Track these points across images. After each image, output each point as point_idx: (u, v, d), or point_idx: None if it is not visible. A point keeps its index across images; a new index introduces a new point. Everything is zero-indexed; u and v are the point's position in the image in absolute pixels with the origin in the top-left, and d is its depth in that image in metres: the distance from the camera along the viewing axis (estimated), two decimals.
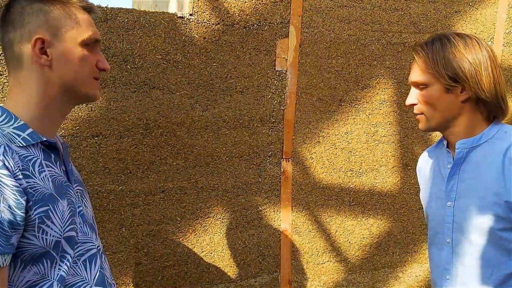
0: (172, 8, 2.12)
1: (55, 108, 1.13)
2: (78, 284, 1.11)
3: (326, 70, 2.34)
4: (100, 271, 1.17)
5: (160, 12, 1.94)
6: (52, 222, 1.05)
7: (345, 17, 2.34)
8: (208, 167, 2.11)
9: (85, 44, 1.11)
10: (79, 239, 1.14)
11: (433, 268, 1.53)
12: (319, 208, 2.41)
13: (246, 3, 2.10)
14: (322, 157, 2.38)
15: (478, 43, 1.36)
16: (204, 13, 2.02)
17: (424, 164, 1.62)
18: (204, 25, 2.02)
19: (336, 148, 2.41)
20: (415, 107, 1.43)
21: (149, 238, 2.01)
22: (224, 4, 2.05)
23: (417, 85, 1.40)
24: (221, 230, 2.18)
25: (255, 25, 2.14)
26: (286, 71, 2.24)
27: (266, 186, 2.26)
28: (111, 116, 1.89)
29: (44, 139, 1.10)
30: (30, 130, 1.07)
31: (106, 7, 1.82)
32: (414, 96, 1.43)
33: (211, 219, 2.15)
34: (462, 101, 1.36)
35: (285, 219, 2.32)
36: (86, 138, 1.85)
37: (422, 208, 2.77)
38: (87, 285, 1.13)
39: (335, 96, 2.37)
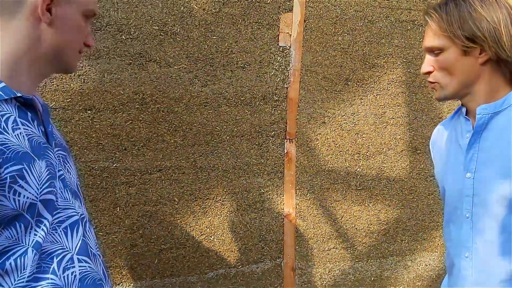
0: None
1: (37, 68, 1.06)
2: (58, 252, 1.01)
3: (331, 47, 2.23)
4: (82, 239, 1.07)
5: None
6: (27, 182, 0.95)
7: None
8: (207, 146, 2.01)
9: (85, 15, 1.08)
10: (59, 205, 1.04)
11: (451, 247, 1.42)
12: (324, 192, 2.30)
13: None
14: (327, 138, 2.28)
15: (496, 0, 1.25)
16: None
17: (439, 137, 1.51)
18: None
19: (343, 130, 2.31)
20: (430, 75, 1.32)
21: (145, 219, 1.91)
22: None
23: (432, 50, 1.29)
24: (221, 213, 2.08)
25: None
26: (290, 47, 2.14)
27: (268, 167, 2.16)
28: (105, 89, 1.80)
29: (19, 94, 1.00)
30: (2, 84, 0.98)
31: None
32: (429, 63, 1.31)
33: (211, 201, 2.05)
34: (481, 63, 1.25)
35: (289, 203, 2.22)
36: (78, 111, 1.76)
37: (432, 194, 2.66)
38: (68, 253, 1.02)
39: (341, 75, 2.27)
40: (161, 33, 1.87)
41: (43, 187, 0.99)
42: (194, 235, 2.02)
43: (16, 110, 1.00)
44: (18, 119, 0.98)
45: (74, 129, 1.75)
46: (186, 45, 1.92)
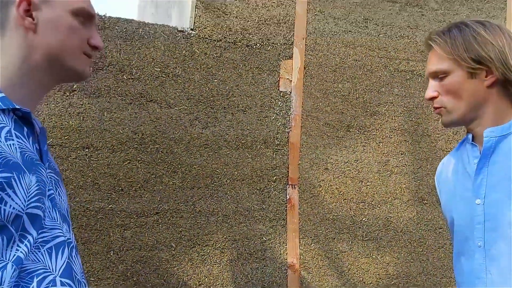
0: (174, 19, 2.09)
1: (35, 78, 1.02)
2: (39, 272, 0.93)
3: (332, 94, 2.25)
4: (67, 262, 0.99)
5: (160, 25, 1.90)
6: (14, 192, 0.89)
7: (350, 42, 2.29)
8: (207, 189, 1.95)
9: (76, 14, 1.03)
10: (46, 224, 0.97)
11: (463, 283, 1.31)
12: (329, 242, 2.20)
13: (249, 22, 2.07)
14: (331, 185, 2.22)
15: (498, 26, 1.25)
16: (205, 29, 1.97)
17: (444, 168, 1.45)
18: (205, 41, 1.97)
19: (346, 177, 2.25)
20: (435, 101, 1.29)
21: (139, 265, 1.81)
22: (226, 21, 2.02)
23: (436, 75, 1.26)
24: (221, 261, 1.96)
25: (258, 44, 2.08)
26: (291, 92, 2.15)
27: (270, 214, 2.08)
28: (104, 127, 1.78)
29: (17, 107, 0.97)
30: (1, 94, 0.95)
31: (104, 15, 1.78)
32: (433, 89, 1.27)
33: (210, 248, 1.95)
34: (487, 86, 1.22)
35: (292, 253, 2.11)
36: (76, 149, 1.73)
37: (442, 247, 2.54)
38: (50, 274, 0.94)
39: (343, 121, 2.26)
40: (163, 75, 1.89)
41: (31, 200, 0.93)
42: (192, 284, 1.90)
43: (12, 122, 0.96)
44: (13, 131, 0.95)
45: (70, 167, 1.71)
46: (187, 87, 1.93)
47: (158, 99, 1.87)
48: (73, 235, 1.07)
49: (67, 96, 1.72)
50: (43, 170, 1.00)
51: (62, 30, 1.00)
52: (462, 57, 1.20)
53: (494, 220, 1.20)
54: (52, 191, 1.02)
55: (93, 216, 1.74)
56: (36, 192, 0.94)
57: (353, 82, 2.29)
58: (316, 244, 2.17)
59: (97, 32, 1.08)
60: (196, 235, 1.93)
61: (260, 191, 2.07)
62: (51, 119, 1.69)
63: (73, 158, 1.72)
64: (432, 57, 1.28)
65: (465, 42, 1.22)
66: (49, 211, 0.99)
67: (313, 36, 2.21)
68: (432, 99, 1.27)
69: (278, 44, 2.13)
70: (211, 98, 1.97)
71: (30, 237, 0.92)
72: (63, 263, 0.97)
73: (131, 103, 1.82)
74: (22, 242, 0.91)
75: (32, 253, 0.93)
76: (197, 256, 1.92)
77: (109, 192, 1.78)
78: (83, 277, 1.06)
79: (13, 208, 0.89)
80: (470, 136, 1.33)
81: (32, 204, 0.93)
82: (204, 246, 1.94)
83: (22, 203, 0.91)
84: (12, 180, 0.89)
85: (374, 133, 2.32)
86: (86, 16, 1.04)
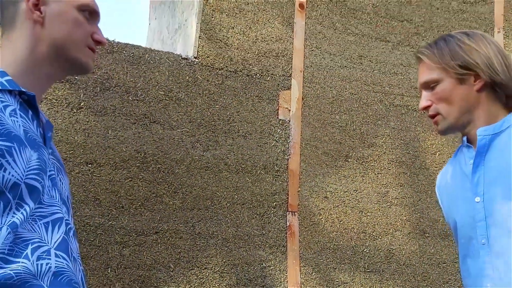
0: (178, 49, 2.20)
1: (42, 68, 1.09)
2: (34, 241, 0.93)
3: (330, 124, 2.31)
4: (63, 237, 0.99)
5: (166, 52, 2.01)
6: (14, 161, 0.92)
7: (346, 77, 2.40)
8: (207, 211, 1.96)
9: (81, 10, 1.11)
10: (44, 201, 0.99)
11: (470, 284, 1.30)
12: (331, 272, 2.15)
13: (249, 54, 2.18)
14: (331, 214, 2.22)
15: (481, 35, 1.34)
16: (208, 58, 2.08)
17: (443, 177, 1.48)
18: (208, 69, 2.07)
19: (346, 206, 2.26)
20: (429, 109, 1.35)
21: (137, 284, 1.77)
22: (228, 52, 2.13)
23: (428, 85, 1.33)
24: (220, 285, 1.92)
25: (258, 75, 2.18)
26: (289, 121, 2.22)
27: (270, 240, 2.06)
28: (108, 144, 1.83)
29: (23, 89, 1.03)
30: (9, 77, 1.02)
31: (113, 40, 1.89)
32: (426, 98, 1.34)
33: (209, 271, 1.91)
34: (477, 90, 1.28)
35: (293, 280, 2.06)
36: (79, 164, 1.76)
37: (447, 283, 2.47)
38: (45, 245, 0.95)
39: (341, 151, 2.31)
40: (166, 98, 1.96)
41: (30, 172, 0.95)
42: None
43: (18, 104, 1.01)
44: (18, 111, 1.00)
45: (72, 182, 1.73)
46: (189, 111, 2.00)
47: (161, 120, 1.94)
48: (72, 220, 1.08)
49: (74, 112, 1.78)
50: (45, 152, 1.03)
51: (68, 24, 1.06)
52: (449, 65, 1.28)
53: (495, 215, 1.21)
54: (53, 172, 1.05)
55: (92, 232, 1.74)
56: (36, 166, 0.97)
57: (350, 114, 2.36)
58: (317, 273, 2.13)
59: (100, 29, 1.15)
60: (195, 257, 1.90)
61: (260, 216, 2.06)
62: (58, 133, 1.74)
63: (76, 173, 1.75)
64: (422, 69, 1.35)
65: (451, 51, 1.30)
66: (48, 189, 1.01)
67: (310, 70, 2.32)
68: (426, 108, 1.33)
69: (277, 75, 2.23)
70: (213, 123, 2.04)
71: (26, 207, 0.93)
72: (59, 237, 0.98)
73: (135, 123, 1.88)
74: (19, 210, 0.92)
75: (29, 223, 0.94)
76: (195, 279, 1.89)
77: (110, 208, 1.79)
78: (79, 257, 1.06)
79: (12, 175, 0.91)
80: (465, 138, 1.37)
81: (31, 176, 0.95)
82: (203, 269, 1.91)
83: (22, 172, 0.93)
84: (13, 149, 0.92)
85: (372, 164, 2.36)
86: (90, 12, 1.11)
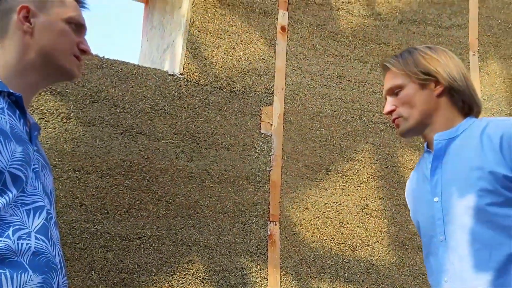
0: (166, 66, 2.33)
1: (30, 74, 1.18)
2: (15, 223, 1.01)
3: (310, 139, 2.42)
4: (44, 223, 1.07)
5: (153, 68, 2.14)
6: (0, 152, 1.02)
7: (326, 95, 2.52)
8: (189, 219, 2.04)
9: (68, 22, 1.22)
10: (27, 190, 1.08)
11: (433, 280, 1.38)
12: (311, 281, 2.22)
13: (233, 72, 2.32)
14: (311, 224, 2.30)
15: (442, 49, 1.47)
16: (193, 74, 2.21)
17: (410, 184, 1.58)
18: (193, 84, 2.20)
19: (326, 217, 2.34)
20: (393, 113, 1.46)
21: (120, 287, 1.84)
22: (212, 69, 2.26)
23: (392, 90, 1.45)
24: None
25: (241, 91, 2.31)
26: (271, 135, 2.33)
27: (251, 248, 2.14)
28: (95, 153, 1.93)
29: (11, 91, 1.12)
30: None
31: (103, 57, 2.02)
32: (391, 103, 1.45)
33: (190, 277, 1.98)
34: (437, 95, 1.40)
35: None
36: (67, 171, 1.86)
37: None
38: (26, 228, 1.03)
39: (321, 165, 2.41)
40: (152, 111, 2.08)
41: (14, 162, 1.04)
42: None
43: (6, 104, 1.11)
44: (6, 110, 1.10)
45: (60, 187, 1.83)
46: (174, 123, 2.11)
47: (147, 132, 2.04)
48: (54, 212, 1.17)
49: (64, 122, 1.89)
50: (30, 147, 1.13)
51: (55, 34, 1.18)
52: (412, 71, 1.40)
53: (451, 213, 1.31)
54: (37, 167, 1.14)
55: (78, 235, 1.82)
56: (20, 158, 1.06)
57: (330, 129, 2.48)
58: (297, 281, 2.19)
59: (86, 40, 1.26)
60: (177, 262, 1.97)
61: (241, 225, 2.14)
62: (48, 141, 1.84)
63: (64, 179, 1.84)
64: (388, 76, 1.47)
65: (414, 60, 1.43)
66: (31, 181, 1.09)
67: (291, 88, 2.45)
68: (391, 112, 1.45)
69: (260, 92, 2.35)
70: (197, 135, 2.15)
71: (9, 193, 1.02)
72: (40, 223, 1.05)
73: (121, 134, 1.99)
74: (2, 196, 1.01)
75: (11, 209, 1.02)
76: (177, 284, 1.95)
77: (95, 213, 1.87)
78: (59, 243, 1.14)
79: None
80: (425, 144, 1.48)
81: (15, 166, 1.04)
82: (184, 274, 1.97)
83: (6, 162, 1.02)
84: None
85: (352, 177, 2.45)
86: (77, 24, 1.23)
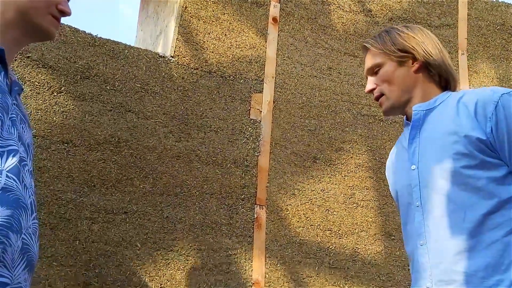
0: (159, 49, 2.37)
1: (9, 32, 1.20)
2: None
3: (299, 127, 2.45)
4: (16, 165, 1.08)
5: (144, 49, 2.18)
6: None
7: (316, 85, 2.57)
8: (176, 197, 2.06)
9: None
10: (2, 135, 1.09)
11: (409, 245, 1.40)
12: (295, 265, 2.22)
13: (223, 58, 2.36)
14: (298, 210, 2.31)
15: (419, 28, 1.52)
16: (184, 58, 2.25)
17: (390, 157, 1.61)
18: (183, 67, 2.24)
19: (313, 204, 2.36)
20: (374, 91, 1.50)
21: (103, 258, 1.84)
22: (203, 54, 2.31)
23: (372, 69, 1.49)
24: (185, 268, 1.99)
25: (231, 77, 2.35)
26: (260, 121, 2.36)
27: (237, 230, 2.15)
28: (84, 127, 1.96)
29: None
30: None
31: (96, 35, 2.07)
32: (372, 82, 1.50)
33: (175, 253, 1.99)
34: (414, 71, 1.44)
35: (258, 270, 2.13)
36: (56, 142, 1.88)
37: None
38: None
39: (309, 153, 2.43)
40: (142, 90, 2.11)
41: None
42: (153, 286, 1.90)
43: None
44: None
45: (48, 157, 1.85)
46: (164, 104, 2.14)
47: (136, 110, 2.07)
48: (31, 163, 1.18)
49: (54, 96, 1.92)
50: (8, 98, 1.15)
51: None
52: (390, 50, 1.45)
53: (427, 178, 1.33)
54: (14, 116, 1.16)
55: (63, 206, 1.83)
56: None
57: (319, 119, 2.51)
58: (282, 265, 2.19)
59: (67, 2, 1.29)
60: (162, 239, 1.98)
61: (228, 207, 2.16)
62: (38, 113, 1.87)
63: (52, 150, 1.86)
64: (368, 57, 1.52)
65: (392, 39, 1.47)
66: (8, 127, 1.11)
67: (282, 77, 2.49)
68: (372, 91, 1.49)
69: (250, 79, 2.39)
70: (186, 116, 2.18)
71: None
72: (12, 164, 1.06)
73: (111, 110, 2.02)
74: None
75: None
76: (161, 259, 1.95)
77: (82, 186, 1.89)
78: (32, 189, 1.14)
79: None
80: (405, 117, 1.52)
81: None
82: (169, 251, 1.98)
83: None
84: None
85: (339, 167, 2.48)
86: None
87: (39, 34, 1.24)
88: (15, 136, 1.12)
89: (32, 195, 1.14)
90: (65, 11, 1.24)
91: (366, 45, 1.50)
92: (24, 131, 1.19)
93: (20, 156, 1.10)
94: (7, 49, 1.18)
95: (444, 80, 1.44)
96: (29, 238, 1.05)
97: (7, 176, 1.04)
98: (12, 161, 1.07)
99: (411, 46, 1.42)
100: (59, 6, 1.24)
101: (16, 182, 1.06)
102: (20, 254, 1.00)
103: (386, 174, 1.63)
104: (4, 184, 1.02)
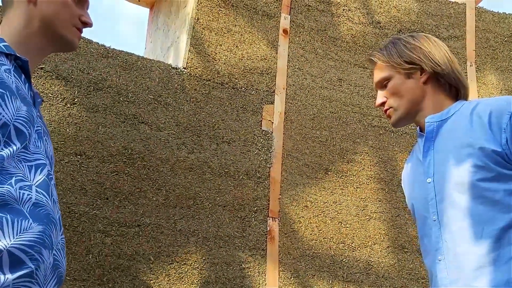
0: (170, 60, 2.36)
1: (33, 41, 1.21)
2: (17, 175, 1.01)
3: (310, 139, 2.44)
4: (45, 179, 1.08)
5: (157, 61, 2.17)
6: (5, 105, 1.03)
7: (326, 97, 2.56)
8: (189, 210, 2.03)
9: None
10: (30, 148, 1.09)
11: (428, 261, 1.37)
12: (309, 279, 2.19)
13: (235, 69, 2.35)
14: (310, 222, 2.29)
15: (425, 36, 1.51)
16: (196, 69, 2.24)
17: (405, 171, 1.58)
18: (195, 79, 2.23)
19: (326, 216, 2.33)
20: (384, 105, 1.48)
21: (117, 272, 1.81)
22: (215, 66, 2.30)
23: (381, 83, 1.48)
24: (198, 282, 1.95)
25: (243, 88, 2.34)
26: (272, 132, 2.34)
27: (250, 243, 2.12)
28: (97, 139, 1.94)
29: (18, 54, 1.15)
30: (6, 43, 1.15)
31: (109, 47, 2.06)
32: (381, 96, 1.48)
33: (188, 267, 1.96)
34: (423, 82, 1.42)
35: (272, 284, 2.09)
36: (69, 154, 1.86)
37: None
38: (27, 181, 1.03)
39: (321, 164, 2.41)
40: (155, 102, 2.10)
41: (19, 118, 1.06)
42: None
43: (13, 67, 1.14)
44: (12, 72, 1.12)
45: (61, 170, 1.82)
46: (176, 115, 2.13)
47: (149, 122, 2.06)
48: (53, 173, 1.17)
49: (68, 107, 1.91)
50: (34, 110, 1.15)
51: (57, 4, 1.22)
52: (397, 62, 1.43)
53: (442, 192, 1.31)
54: (39, 128, 1.16)
55: (76, 219, 1.80)
56: (24, 115, 1.08)
57: (330, 131, 2.50)
58: (296, 278, 2.16)
59: (88, 13, 1.30)
60: (175, 252, 1.95)
61: (241, 219, 2.13)
62: (51, 124, 1.85)
63: (65, 162, 1.84)
64: (376, 71, 1.50)
65: (398, 51, 1.46)
66: (34, 140, 1.11)
67: (292, 88, 2.48)
68: (382, 104, 1.47)
69: (261, 90, 2.38)
70: (198, 128, 2.16)
71: (13, 146, 1.03)
72: (41, 179, 1.06)
73: (124, 122, 2.00)
74: (6, 147, 1.02)
75: (14, 161, 1.03)
76: (174, 273, 1.92)
77: (95, 198, 1.86)
78: (58, 203, 1.13)
79: (3, 116, 1.02)
80: (418, 128, 1.50)
81: (20, 121, 1.06)
82: (182, 264, 1.95)
83: (11, 116, 1.04)
84: (5, 96, 1.04)
85: (351, 178, 2.46)
86: None
87: (62, 44, 1.25)
88: (41, 149, 1.11)
89: (58, 210, 1.13)
90: (87, 22, 1.26)
91: (372, 58, 1.49)
92: (47, 143, 1.19)
93: (47, 170, 1.09)
94: (30, 57, 1.18)
95: (454, 89, 1.42)
96: (59, 253, 1.04)
97: (36, 191, 1.03)
98: (41, 176, 1.07)
99: (418, 58, 1.40)
100: (82, 18, 1.25)
101: (46, 197, 1.05)
102: (52, 270, 0.98)
103: (402, 185, 1.61)
104: (35, 199, 1.01)
